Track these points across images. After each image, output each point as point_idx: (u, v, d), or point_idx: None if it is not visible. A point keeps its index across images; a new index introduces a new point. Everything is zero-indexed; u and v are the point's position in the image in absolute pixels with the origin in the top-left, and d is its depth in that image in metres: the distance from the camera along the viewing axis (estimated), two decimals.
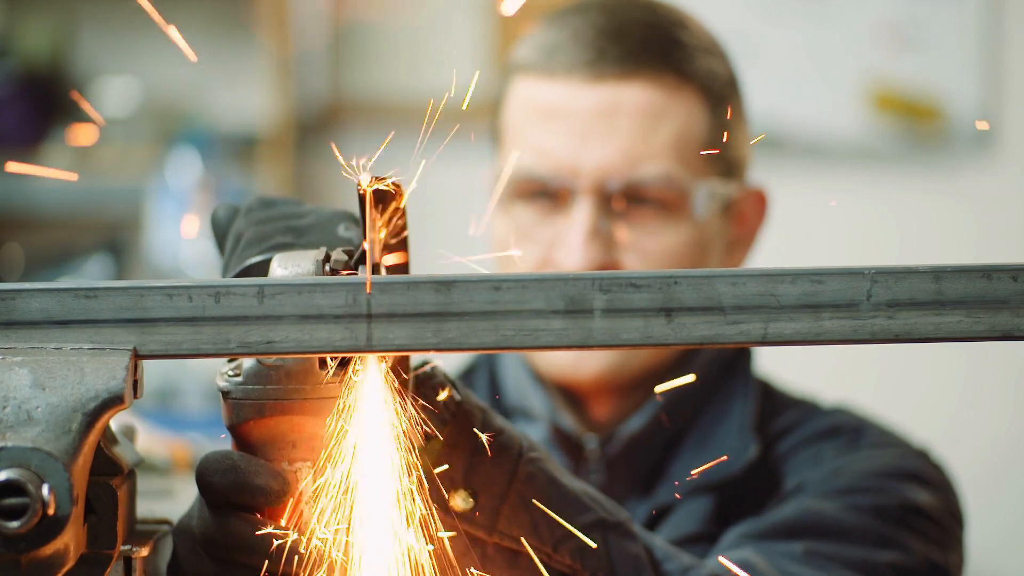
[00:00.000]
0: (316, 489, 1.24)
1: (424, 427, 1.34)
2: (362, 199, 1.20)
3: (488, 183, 1.93)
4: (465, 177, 2.42)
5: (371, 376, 1.22)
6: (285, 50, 4.83)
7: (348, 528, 1.22)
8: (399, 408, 1.23)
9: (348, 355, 1.24)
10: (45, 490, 1.10)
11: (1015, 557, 4.72)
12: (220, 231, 1.41)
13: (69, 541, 1.13)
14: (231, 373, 1.27)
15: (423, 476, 1.24)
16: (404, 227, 1.29)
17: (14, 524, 1.09)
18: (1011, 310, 1.16)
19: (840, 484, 1.78)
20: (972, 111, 4.80)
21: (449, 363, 1.97)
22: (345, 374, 1.23)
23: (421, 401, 1.32)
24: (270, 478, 1.25)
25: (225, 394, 1.27)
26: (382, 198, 1.22)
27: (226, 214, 1.41)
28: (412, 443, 1.23)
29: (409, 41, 4.98)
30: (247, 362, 1.26)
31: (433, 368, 1.38)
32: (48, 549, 1.11)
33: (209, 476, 1.27)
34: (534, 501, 1.38)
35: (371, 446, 1.22)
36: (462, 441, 1.37)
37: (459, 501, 1.36)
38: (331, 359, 1.25)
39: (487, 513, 1.37)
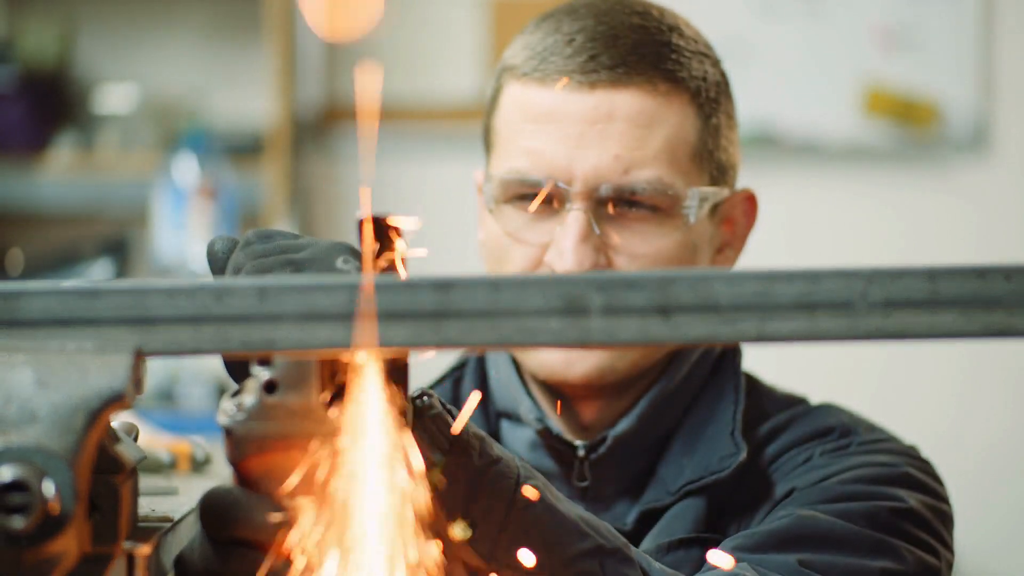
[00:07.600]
0: (317, 523, 1.25)
1: (422, 458, 1.35)
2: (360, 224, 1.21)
3: (480, 185, 1.93)
4: (462, 178, 2.43)
5: (370, 409, 1.23)
6: (287, 53, 4.83)
7: (348, 561, 1.22)
8: (398, 440, 1.23)
9: (346, 363, 1.25)
10: (48, 488, 1.11)
11: (1014, 557, 4.73)
12: (218, 264, 1.40)
13: (72, 539, 1.14)
14: (233, 409, 1.28)
15: (422, 506, 1.24)
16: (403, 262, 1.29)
17: (17, 521, 1.10)
18: (1005, 309, 1.16)
19: (832, 490, 1.77)
20: (967, 112, 4.81)
21: (438, 367, 1.97)
22: (344, 408, 1.24)
23: (419, 432, 1.33)
24: (272, 513, 1.26)
25: (227, 430, 1.27)
26: (381, 231, 1.23)
27: (223, 247, 1.40)
28: (411, 474, 1.24)
29: (408, 44, 4.99)
30: (248, 399, 1.26)
31: (431, 398, 1.38)
32: (51, 547, 1.12)
33: (211, 510, 1.27)
34: (532, 529, 1.39)
35: (371, 479, 1.22)
36: (460, 471, 1.37)
37: (458, 531, 1.37)
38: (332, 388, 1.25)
39: (486, 543, 1.38)
